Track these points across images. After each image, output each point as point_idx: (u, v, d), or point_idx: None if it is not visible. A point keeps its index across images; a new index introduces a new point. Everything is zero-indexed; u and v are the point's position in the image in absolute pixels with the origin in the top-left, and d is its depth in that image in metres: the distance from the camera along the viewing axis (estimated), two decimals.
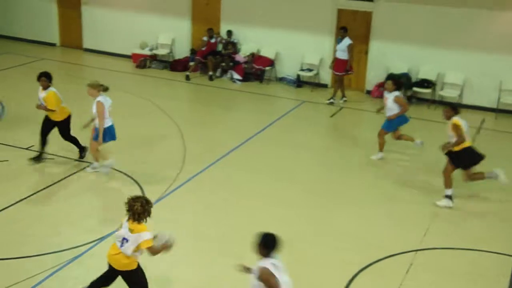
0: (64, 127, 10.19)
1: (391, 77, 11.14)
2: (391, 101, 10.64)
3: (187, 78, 15.92)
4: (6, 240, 7.98)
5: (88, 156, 10.38)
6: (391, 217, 9.11)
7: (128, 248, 6.04)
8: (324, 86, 15.61)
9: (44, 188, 9.43)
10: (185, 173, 10.25)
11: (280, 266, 5.47)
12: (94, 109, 9.46)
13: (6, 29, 18.93)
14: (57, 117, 10.07)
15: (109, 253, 6.23)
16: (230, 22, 16.27)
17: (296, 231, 8.54)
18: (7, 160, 10.18)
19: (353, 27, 14.78)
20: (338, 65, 14.20)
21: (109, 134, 9.58)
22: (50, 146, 10.44)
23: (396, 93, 10.67)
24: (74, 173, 10.05)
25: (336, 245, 8.27)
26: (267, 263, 5.40)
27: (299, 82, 15.72)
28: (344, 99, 14.47)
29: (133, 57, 17.16)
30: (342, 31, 14.07)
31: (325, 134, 13.06)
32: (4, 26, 18.94)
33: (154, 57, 17.05)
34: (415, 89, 14.55)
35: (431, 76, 14.49)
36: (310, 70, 15.55)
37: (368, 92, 15.35)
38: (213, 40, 16.12)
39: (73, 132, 10.33)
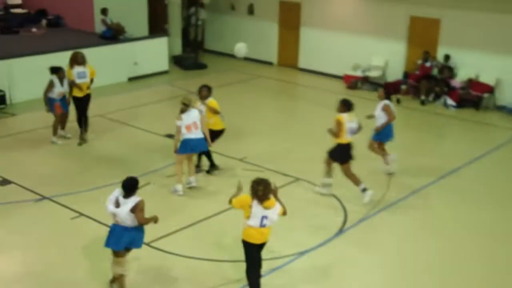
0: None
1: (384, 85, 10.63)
2: (379, 110, 10.49)
3: (398, 101, 15.67)
4: (212, 243, 8.58)
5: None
6: None
7: (272, 220, 6.80)
8: None
9: None
10: (389, 197, 10.09)
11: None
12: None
13: (233, 49, 20.39)
14: (218, 126, 10.55)
15: (257, 236, 6.86)
16: (448, 45, 15.70)
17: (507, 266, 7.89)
18: (149, 183, 10.19)
19: None
20: None
21: (186, 146, 9.72)
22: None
23: (386, 101, 10.48)
24: (283, 185, 10.45)
25: None
26: (139, 198, 6.97)
27: None
28: None
29: (345, 78, 17.40)
30: None
31: None
32: (231, 46, 20.41)
33: (365, 79, 17.11)
34: None
35: None
36: None
37: None
38: (428, 64, 15.69)
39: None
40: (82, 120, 12.06)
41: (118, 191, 7.02)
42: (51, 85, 11.67)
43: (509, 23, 14.64)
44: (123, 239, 7.01)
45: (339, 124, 9.45)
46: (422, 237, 8.88)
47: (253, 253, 7.02)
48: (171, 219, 9.14)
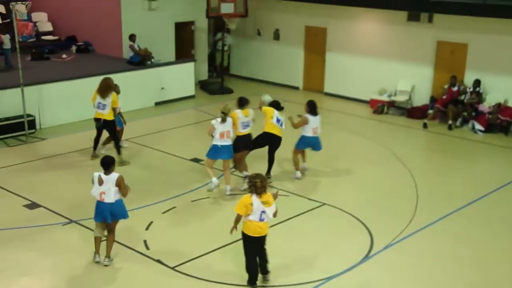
0: None
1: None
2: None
3: (425, 126, 15.55)
4: (236, 267, 8.54)
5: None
6: None
7: (269, 216, 7.60)
8: None
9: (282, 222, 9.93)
10: (417, 222, 9.96)
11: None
12: None
13: (258, 73, 20.61)
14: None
15: (255, 230, 7.63)
16: (476, 70, 15.57)
17: None
18: (174, 207, 10.71)
19: None
20: None
21: (215, 151, 10.61)
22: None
23: (306, 114, 11.47)
24: (309, 210, 10.41)
25: None
26: (118, 174, 8.15)
27: None
28: None
29: (371, 102, 17.36)
30: None
31: None
32: (257, 71, 20.66)
33: (392, 104, 17.03)
34: None
35: None
36: None
37: None
38: (455, 89, 15.56)
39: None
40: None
41: (97, 173, 8.18)
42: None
43: None
44: (111, 214, 8.18)
45: (235, 119, 10.72)
46: (451, 264, 8.72)
47: (250, 244, 7.77)
48: (196, 243, 9.15)
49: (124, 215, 8.37)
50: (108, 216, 8.17)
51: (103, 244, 8.46)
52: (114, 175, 8.13)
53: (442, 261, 8.78)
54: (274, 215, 7.69)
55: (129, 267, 8.47)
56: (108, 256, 8.42)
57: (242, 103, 10.96)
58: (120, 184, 8.13)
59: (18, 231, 9.47)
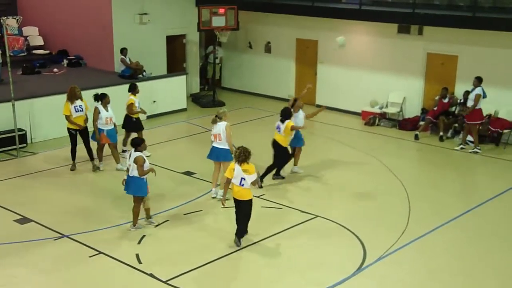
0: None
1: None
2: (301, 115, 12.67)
3: (416, 137, 15.61)
4: (223, 283, 8.51)
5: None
6: None
7: (247, 183, 8.97)
8: None
9: (273, 235, 9.91)
10: (409, 233, 9.97)
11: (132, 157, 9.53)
12: None
13: (250, 86, 20.66)
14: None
15: (236, 193, 9.09)
16: (466, 81, 15.66)
17: None
18: (167, 220, 10.71)
19: None
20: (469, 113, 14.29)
21: (211, 153, 11.23)
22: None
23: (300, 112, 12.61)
24: (302, 222, 10.41)
25: None
26: (139, 154, 9.51)
27: None
28: (475, 149, 14.42)
29: (363, 114, 17.42)
30: (475, 81, 14.20)
31: None
32: (248, 84, 20.72)
33: (383, 115, 17.11)
34: None
35: None
36: None
37: None
38: (446, 100, 15.65)
39: None
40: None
41: (132, 149, 9.59)
42: (96, 112, 12.22)
43: None
44: (131, 187, 9.61)
45: (131, 105, 13.03)
46: (443, 275, 8.72)
47: (235, 205, 9.25)
48: (189, 256, 9.11)
49: (139, 193, 9.62)
50: (127, 187, 9.66)
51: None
52: (134, 154, 9.51)
53: (434, 273, 8.78)
54: (253, 183, 9.04)
55: (121, 281, 8.42)
56: (147, 219, 10.08)
57: (134, 88, 13.21)
58: (137, 163, 9.41)
59: (9, 246, 9.40)
